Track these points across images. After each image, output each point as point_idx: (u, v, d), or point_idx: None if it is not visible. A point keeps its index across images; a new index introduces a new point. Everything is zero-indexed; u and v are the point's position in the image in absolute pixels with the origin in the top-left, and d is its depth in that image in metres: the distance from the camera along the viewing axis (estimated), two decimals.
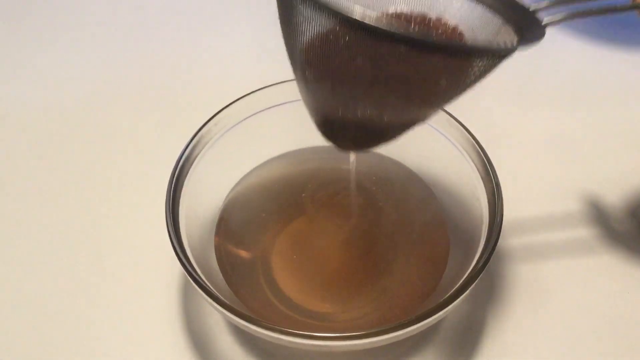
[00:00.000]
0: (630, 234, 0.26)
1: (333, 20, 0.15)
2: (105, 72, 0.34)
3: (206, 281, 0.20)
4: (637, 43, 0.35)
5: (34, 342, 0.23)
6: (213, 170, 0.24)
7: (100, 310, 0.24)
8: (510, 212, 0.25)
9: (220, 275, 0.22)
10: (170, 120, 0.31)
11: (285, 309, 0.22)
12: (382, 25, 0.14)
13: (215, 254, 0.23)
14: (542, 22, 0.17)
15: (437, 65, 0.16)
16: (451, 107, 0.24)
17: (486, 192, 0.22)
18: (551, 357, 0.23)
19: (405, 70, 0.16)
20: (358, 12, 0.14)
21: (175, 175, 0.22)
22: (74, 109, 0.32)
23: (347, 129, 0.18)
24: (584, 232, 0.26)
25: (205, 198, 0.24)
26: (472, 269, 0.20)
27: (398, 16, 0.19)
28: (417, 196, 0.25)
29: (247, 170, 0.26)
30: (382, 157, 0.26)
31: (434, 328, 0.23)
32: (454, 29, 0.19)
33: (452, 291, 0.19)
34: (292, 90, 0.25)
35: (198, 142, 0.23)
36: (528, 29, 0.17)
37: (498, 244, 0.20)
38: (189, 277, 0.20)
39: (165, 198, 0.21)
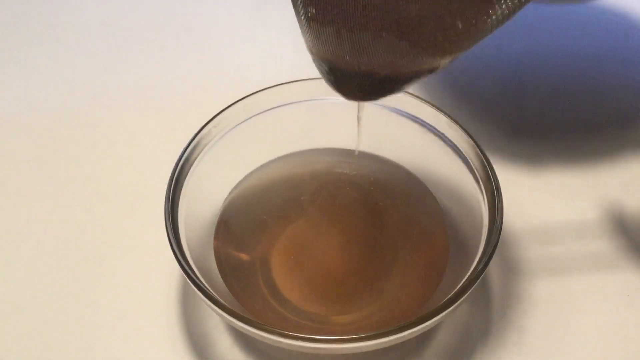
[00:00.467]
0: None
1: None
2: (105, 74, 0.34)
3: (205, 284, 0.20)
4: None
5: (32, 343, 0.23)
6: (212, 172, 0.24)
7: (99, 312, 0.24)
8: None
9: (220, 278, 0.22)
10: (170, 122, 0.31)
11: (285, 312, 0.22)
12: None
13: (215, 257, 0.23)
14: None
15: (453, 5, 0.14)
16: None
17: (486, 195, 0.22)
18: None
19: (419, 8, 0.14)
20: None
21: (175, 177, 0.22)
22: (73, 111, 0.32)
23: (353, 75, 0.17)
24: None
25: (204, 200, 0.24)
26: (471, 272, 0.20)
27: None
28: (417, 198, 0.25)
29: (247, 172, 0.26)
30: (381, 160, 0.26)
31: (433, 330, 0.23)
32: None
33: (451, 294, 0.19)
34: (292, 93, 0.25)
35: (197, 143, 0.23)
36: None
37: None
38: (187, 280, 0.19)
39: (164, 200, 0.21)
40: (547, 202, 0.28)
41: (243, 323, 0.19)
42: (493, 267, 0.25)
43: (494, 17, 0.15)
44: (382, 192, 0.26)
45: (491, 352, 0.23)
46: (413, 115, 0.25)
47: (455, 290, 0.19)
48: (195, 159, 0.23)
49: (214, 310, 0.19)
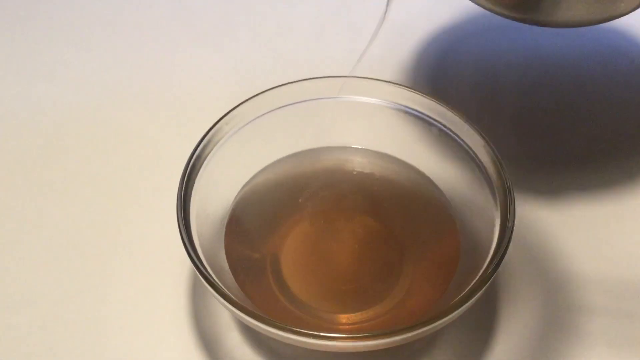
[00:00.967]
0: None
1: None
2: (116, 71, 0.34)
3: (217, 280, 0.20)
4: None
5: (42, 339, 0.23)
6: (223, 169, 0.24)
7: (108, 309, 0.24)
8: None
9: (230, 275, 0.22)
10: (181, 119, 0.31)
11: (294, 308, 0.22)
12: None
13: (225, 253, 0.23)
14: None
15: None
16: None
17: (499, 195, 0.22)
18: None
19: None
20: None
21: (186, 174, 0.22)
22: (84, 108, 0.32)
23: None
24: None
25: (215, 197, 0.24)
26: (482, 274, 0.20)
27: None
28: (428, 198, 0.25)
29: (258, 169, 0.26)
30: (391, 158, 0.26)
31: (442, 330, 0.23)
32: None
33: (461, 295, 0.19)
34: (303, 91, 0.25)
35: (209, 141, 0.23)
36: None
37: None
38: (200, 276, 0.20)
39: (176, 196, 0.21)
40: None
41: (254, 319, 0.19)
42: (503, 267, 0.25)
43: None
44: (392, 191, 0.26)
45: (501, 352, 0.23)
46: (424, 115, 0.25)
47: (465, 292, 0.19)
48: (207, 156, 0.23)
49: (225, 307, 0.19)
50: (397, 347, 0.19)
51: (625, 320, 0.24)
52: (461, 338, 0.23)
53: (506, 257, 0.20)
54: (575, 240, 0.26)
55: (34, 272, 0.25)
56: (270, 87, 0.25)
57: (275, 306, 0.22)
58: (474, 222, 0.23)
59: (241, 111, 0.24)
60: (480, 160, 0.23)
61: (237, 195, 0.25)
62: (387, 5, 0.21)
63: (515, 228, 0.21)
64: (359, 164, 0.27)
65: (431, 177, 0.26)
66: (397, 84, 0.25)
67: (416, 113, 0.25)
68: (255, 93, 0.25)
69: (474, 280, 0.20)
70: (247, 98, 0.25)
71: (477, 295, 0.19)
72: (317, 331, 0.18)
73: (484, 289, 0.19)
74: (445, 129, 0.24)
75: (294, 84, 0.25)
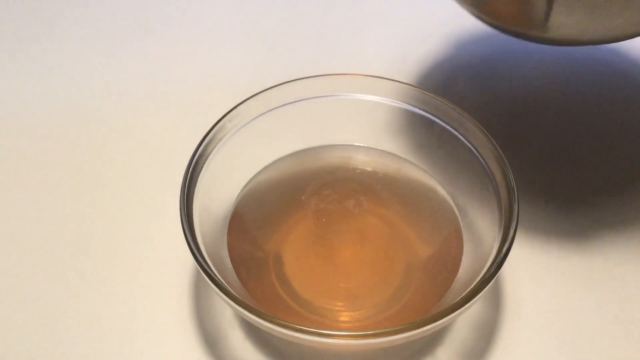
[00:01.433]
0: None
1: None
2: (117, 69, 0.34)
3: (219, 277, 0.20)
4: None
5: (45, 337, 0.23)
6: (226, 167, 0.24)
7: (111, 306, 0.24)
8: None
9: (233, 272, 0.22)
10: (185, 116, 0.31)
11: (296, 306, 0.22)
12: None
13: (228, 251, 0.23)
14: None
15: None
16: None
17: (502, 194, 0.21)
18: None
19: None
20: None
21: (190, 172, 0.22)
22: (86, 107, 0.32)
23: None
24: None
25: (218, 195, 0.24)
26: (485, 272, 0.20)
27: None
28: (431, 196, 0.25)
29: (261, 167, 0.26)
30: (394, 156, 0.26)
31: (445, 327, 0.23)
32: None
33: (464, 294, 0.19)
34: (307, 89, 0.25)
35: (212, 138, 0.23)
36: None
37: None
38: (203, 273, 0.20)
39: (179, 194, 0.21)
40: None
41: (257, 317, 0.19)
42: (507, 265, 0.25)
43: None
44: (395, 190, 0.26)
45: (503, 350, 0.23)
46: (427, 112, 0.25)
47: (468, 290, 0.19)
48: (210, 154, 0.23)
49: (228, 304, 0.19)
50: (400, 345, 0.19)
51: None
52: (464, 336, 0.23)
53: (510, 255, 0.20)
54: (582, 238, 0.26)
55: (37, 269, 0.25)
56: (272, 84, 0.25)
57: (278, 304, 0.22)
58: (477, 220, 0.23)
59: (244, 109, 0.24)
60: (483, 159, 0.23)
61: (239, 193, 0.25)
62: None
63: (519, 226, 0.21)
64: (361, 162, 0.27)
65: (434, 175, 0.26)
66: (399, 81, 0.25)
67: (419, 111, 0.25)
68: (258, 91, 0.25)
69: (477, 279, 0.20)
70: (249, 96, 0.25)
71: (479, 295, 0.19)
72: (319, 329, 0.18)
73: (486, 288, 0.19)
74: (448, 127, 0.24)
75: (297, 81, 0.25)
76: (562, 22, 0.22)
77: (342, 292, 0.23)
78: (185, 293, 0.24)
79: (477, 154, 0.23)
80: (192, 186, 0.22)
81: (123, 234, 0.26)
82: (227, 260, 0.23)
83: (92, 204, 0.27)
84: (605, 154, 0.30)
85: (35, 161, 0.29)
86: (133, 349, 0.23)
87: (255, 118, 0.25)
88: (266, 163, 0.26)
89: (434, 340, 0.23)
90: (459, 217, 0.24)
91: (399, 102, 0.25)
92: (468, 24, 0.35)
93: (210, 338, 0.23)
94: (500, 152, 0.22)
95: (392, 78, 0.25)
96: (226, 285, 0.20)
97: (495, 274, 0.20)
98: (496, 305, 0.24)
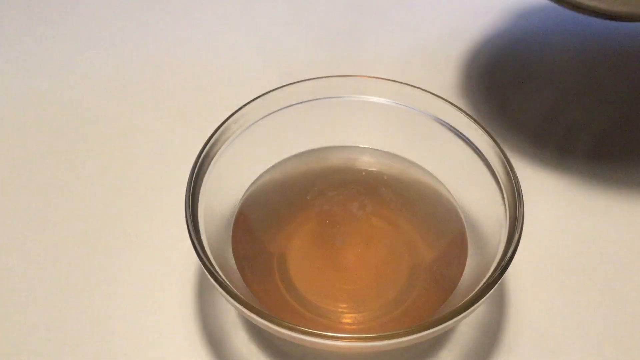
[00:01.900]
0: None
1: None
2: (124, 68, 0.34)
3: (224, 277, 0.20)
4: None
5: (48, 337, 0.23)
6: (231, 167, 0.24)
7: (114, 306, 0.24)
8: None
9: (237, 272, 0.22)
10: (189, 117, 0.31)
11: (300, 307, 0.22)
12: None
13: (232, 251, 0.23)
14: None
15: None
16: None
17: (507, 196, 0.21)
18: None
19: None
20: None
21: (195, 172, 0.22)
22: (92, 105, 0.32)
23: None
24: None
25: (223, 195, 0.24)
26: (489, 276, 0.20)
27: None
28: (435, 198, 0.25)
29: (265, 168, 0.26)
30: (399, 158, 0.26)
31: (449, 330, 0.23)
32: None
33: (468, 297, 0.19)
34: (311, 90, 0.25)
35: (217, 139, 0.24)
36: None
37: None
38: (207, 274, 0.20)
39: (184, 194, 0.22)
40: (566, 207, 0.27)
41: (260, 317, 0.19)
42: (511, 268, 0.25)
43: None
44: (399, 191, 0.26)
45: (508, 353, 0.23)
46: (433, 115, 0.25)
47: (472, 294, 0.19)
48: (215, 154, 0.23)
49: (232, 305, 0.19)
50: (403, 348, 0.19)
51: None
52: (468, 339, 0.23)
53: (515, 257, 0.20)
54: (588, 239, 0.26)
55: (40, 268, 0.25)
56: (277, 85, 0.25)
57: (281, 304, 0.22)
58: (482, 223, 0.23)
59: (249, 110, 0.24)
60: (489, 162, 0.23)
61: (244, 194, 0.25)
62: None
63: (524, 228, 0.21)
64: (366, 163, 0.27)
65: (439, 177, 0.25)
66: (404, 83, 0.25)
67: (424, 113, 0.25)
68: (264, 92, 0.25)
69: (482, 283, 0.20)
70: (255, 97, 0.25)
71: (483, 299, 0.19)
72: (323, 331, 0.18)
73: (490, 291, 0.19)
74: (454, 129, 0.24)
75: (302, 82, 0.25)
76: None
77: (345, 293, 0.23)
78: (189, 293, 0.24)
79: (482, 157, 0.23)
80: (197, 186, 0.22)
81: (127, 233, 0.26)
82: (232, 261, 0.23)
83: (96, 203, 0.28)
84: None
85: (38, 160, 0.29)
86: (137, 349, 0.23)
87: (260, 119, 0.25)
88: (271, 164, 0.26)
89: (438, 343, 0.23)
90: (464, 220, 0.24)
91: (404, 103, 0.25)
92: None
93: (214, 338, 0.23)
94: (506, 155, 0.22)
95: (396, 79, 0.25)
96: (230, 285, 0.20)
97: (500, 278, 0.20)
98: (500, 308, 0.24)
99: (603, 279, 0.25)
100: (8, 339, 0.23)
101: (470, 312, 0.19)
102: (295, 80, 0.25)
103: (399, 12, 0.38)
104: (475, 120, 0.24)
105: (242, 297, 0.19)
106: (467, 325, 0.23)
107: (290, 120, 0.25)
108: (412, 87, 0.25)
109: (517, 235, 0.20)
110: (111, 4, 0.38)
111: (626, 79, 0.33)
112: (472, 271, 0.22)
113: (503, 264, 0.20)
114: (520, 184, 0.21)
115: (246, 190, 0.25)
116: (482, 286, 0.20)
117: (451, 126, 0.24)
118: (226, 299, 0.19)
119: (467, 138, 0.24)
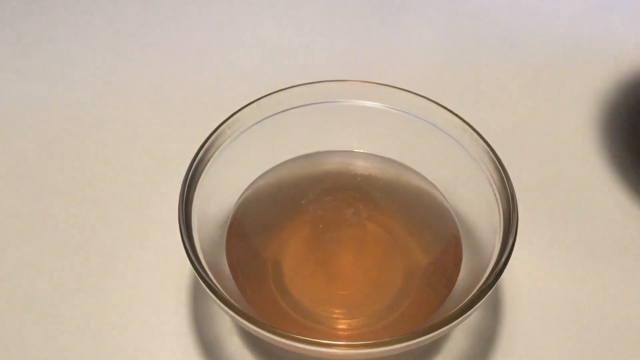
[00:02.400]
0: None
1: None
2: (118, 72, 0.34)
3: (217, 285, 0.20)
4: None
5: (41, 343, 0.23)
6: (225, 173, 0.24)
7: (108, 313, 0.24)
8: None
9: (231, 279, 0.22)
10: (184, 122, 0.31)
11: (294, 314, 0.22)
12: None
13: (226, 257, 0.23)
14: None
15: None
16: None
17: (502, 202, 0.21)
18: None
19: None
20: None
21: (189, 178, 0.22)
22: (86, 109, 0.32)
23: None
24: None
25: (217, 201, 0.24)
26: (483, 282, 0.20)
27: None
28: (430, 203, 0.25)
29: (259, 173, 0.26)
30: (394, 163, 0.26)
31: (445, 335, 0.23)
32: None
33: (462, 303, 0.19)
34: (305, 95, 0.25)
35: (211, 144, 0.23)
36: None
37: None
38: (200, 280, 0.20)
39: (178, 200, 0.21)
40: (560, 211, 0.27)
41: (254, 325, 0.19)
42: (506, 273, 0.25)
43: None
44: (395, 196, 0.26)
45: (501, 358, 0.23)
46: (428, 120, 0.25)
47: (466, 300, 0.19)
48: (209, 159, 0.23)
49: (226, 312, 0.19)
50: (397, 354, 0.19)
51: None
52: (463, 345, 0.23)
53: (510, 263, 0.20)
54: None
55: (35, 275, 0.25)
56: (272, 90, 0.25)
57: (276, 311, 0.22)
58: (477, 228, 0.23)
59: (243, 115, 0.24)
60: (483, 167, 0.23)
61: (239, 199, 0.25)
62: None
63: (519, 234, 0.20)
64: (361, 168, 0.27)
65: (434, 182, 0.25)
66: (399, 88, 0.25)
67: (419, 118, 0.25)
68: (258, 97, 0.25)
69: (476, 289, 0.20)
70: (249, 102, 0.24)
71: (477, 305, 0.19)
72: (317, 338, 0.18)
73: (484, 298, 0.19)
74: (448, 134, 0.24)
75: (296, 87, 0.25)
76: None
77: (340, 299, 0.23)
78: (184, 298, 0.24)
79: (477, 161, 0.23)
80: (190, 192, 0.22)
81: (121, 238, 0.26)
82: (225, 266, 0.22)
83: (90, 208, 0.27)
84: None
85: (33, 163, 0.29)
86: (131, 354, 0.23)
87: (254, 124, 0.25)
88: (265, 169, 0.26)
89: (432, 349, 0.23)
90: (459, 225, 0.24)
91: (399, 108, 0.25)
92: None
93: (207, 344, 0.23)
94: (500, 160, 0.22)
95: (390, 84, 0.25)
96: (223, 292, 0.19)
97: (494, 284, 0.19)
98: (495, 313, 0.24)
99: (600, 285, 0.25)
100: (2, 345, 0.23)
101: (464, 319, 0.19)
102: (290, 85, 0.25)
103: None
104: (470, 125, 0.24)
105: (235, 304, 0.19)
106: (462, 332, 0.23)
107: (285, 125, 0.25)
108: (407, 92, 0.25)
109: (511, 240, 0.20)
110: (107, 8, 0.38)
111: None
112: (466, 277, 0.22)
113: (497, 270, 0.20)
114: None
115: (240, 196, 0.25)
116: (476, 292, 0.19)
117: (446, 131, 0.24)
118: (219, 306, 0.19)
119: (461, 143, 0.24)
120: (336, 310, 0.23)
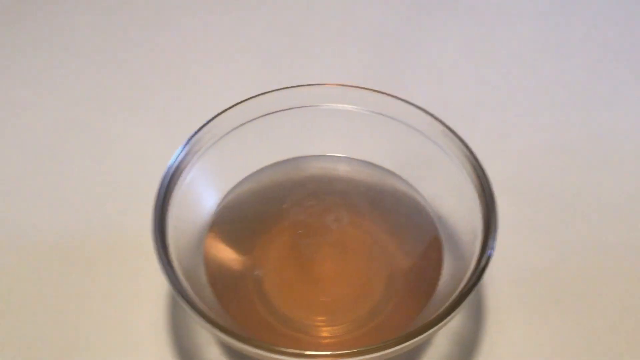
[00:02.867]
0: None
1: None
2: (96, 78, 0.34)
3: (193, 295, 0.19)
4: None
5: (16, 354, 0.23)
6: (204, 179, 0.24)
7: (85, 322, 0.23)
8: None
9: (209, 287, 0.22)
10: (162, 129, 0.31)
11: (275, 322, 0.22)
12: None
13: (204, 266, 0.23)
14: None
15: None
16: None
17: (481, 206, 0.21)
18: None
19: None
20: None
21: (165, 185, 0.22)
22: (64, 113, 0.32)
23: None
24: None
25: (195, 208, 0.23)
26: (464, 286, 0.20)
27: None
28: (411, 207, 0.25)
29: (238, 179, 0.25)
30: (375, 167, 0.26)
31: (426, 342, 0.23)
32: None
33: (443, 308, 0.19)
34: (285, 99, 0.25)
35: (189, 151, 0.23)
36: None
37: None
38: (175, 293, 0.19)
39: (152, 210, 0.21)
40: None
41: (232, 338, 0.18)
42: (488, 277, 0.25)
43: None
44: (376, 201, 0.25)
45: None
46: (408, 123, 0.25)
47: (447, 304, 0.19)
48: (186, 166, 0.23)
49: (202, 326, 0.19)
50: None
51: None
52: (445, 350, 0.23)
53: (492, 267, 0.20)
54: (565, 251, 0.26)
55: (11, 284, 0.25)
56: (251, 95, 0.25)
57: (256, 320, 0.22)
58: (458, 232, 0.23)
59: (222, 120, 0.24)
60: (463, 170, 0.23)
61: (217, 206, 0.25)
62: None
63: (501, 237, 0.20)
64: (341, 172, 0.26)
65: (414, 186, 0.25)
66: (377, 91, 0.25)
67: (400, 121, 0.25)
68: (237, 102, 0.24)
69: (456, 292, 0.20)
70: (227, 107, 0.24)
71: (458, 309, 0.19)
72: (296, 349, 0.18)
73: (464, 302, 0.19)
74: (429, 137, 0.24)
75: (276, 92, 0.25)
76: None
77: (322, 306, 0.23)
78: (161, 307, 0.24)
79: (457, 164, 0.23)
80: (166, 200, 0.22)
81: (97, 246, 0.26)
82: (203, 276, 0.22)
83: (69, 212, 0.27)
84: None
85: (11, 167, 0.29)
86: None
87: (233, 130, 0.24)
88: (245, 175, 0.26)
89: (415, 356, 0.23)
90: (440, 228, 0.24)
91: (379, 112, 0.25)
92: None
93: (186, 353, 0.23)
94: (480, 162, 0.22)
95: (369, 87, 0.25)
96: (200, 304, 0.19)
97: (474, 287, 0.19)
98: (477, 319, 0.24)
99: (583, 288, 0.25)
100: None
101: (445, 324, 0.19)
102: (269, 90, 0.25)
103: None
104: (450, 129, 0.23)
105: (213, 317, 0.19)
106: (444, 336, 0.23)
107: (264, 130, 0.25)
108: (387, 95, 0.25)
109: (490, 242, 0.20)
110: (86, 9, 0.37)
111: None
112: (448, 280, 0.22)
113: (477, 272, 0.20)
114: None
115: (220, 203, 0.25)
116: (456, 296, 0.19)
117: (426, 134, 0.24)
118: (195, 320, 0.19)
119: (441, 146, 0.24)
120: (318, 317, 0.22)
